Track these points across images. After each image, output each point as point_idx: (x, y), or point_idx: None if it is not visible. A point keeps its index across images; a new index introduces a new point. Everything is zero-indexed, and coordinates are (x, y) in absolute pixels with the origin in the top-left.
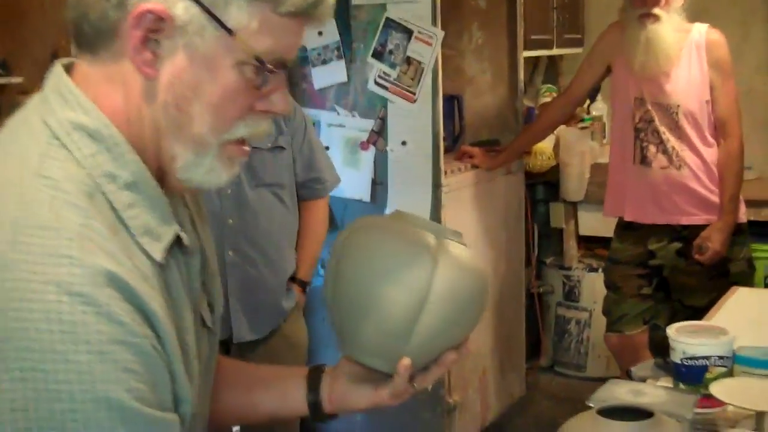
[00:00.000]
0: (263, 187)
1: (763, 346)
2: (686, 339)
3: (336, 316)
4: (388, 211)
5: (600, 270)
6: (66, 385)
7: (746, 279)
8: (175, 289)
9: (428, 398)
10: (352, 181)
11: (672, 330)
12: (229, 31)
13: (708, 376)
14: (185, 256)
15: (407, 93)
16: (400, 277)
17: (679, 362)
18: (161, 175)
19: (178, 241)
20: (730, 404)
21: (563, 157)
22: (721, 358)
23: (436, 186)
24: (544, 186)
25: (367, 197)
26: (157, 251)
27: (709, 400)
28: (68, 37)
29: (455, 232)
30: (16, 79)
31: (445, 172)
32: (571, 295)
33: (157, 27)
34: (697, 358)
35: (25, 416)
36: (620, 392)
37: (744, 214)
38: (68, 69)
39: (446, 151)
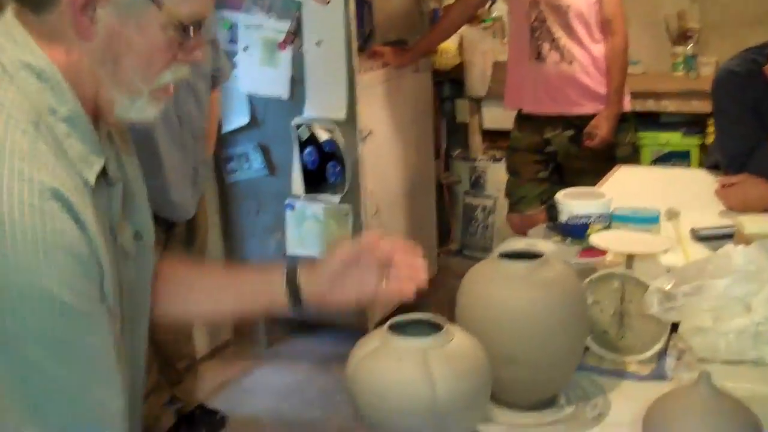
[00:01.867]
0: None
1: (635, 206)
2: (571, 201)
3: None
4: (306, 107)
5: (503, 160)
6: (14, 275)
7: (631, 161)
8: (99, 212)
9: None
10: (271, 80)
11: (560, 195)
12: (157, 3)
13: (589, 232)
14: (108, 187)
15: None
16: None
17: (566, 222)
18: (96, 115)
19: (103, 171)
20: (606, 249)
21: (467, 56)
22: (600, 216)
23: (351, 83)
24: (450, 83)
25: (286, 95)
26: (91, 176)
27: (590, 251)
28: None
29: (444, 335)
30: None
31: (359, 70)
32: (476, 184)
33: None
34: (580, 217)
35: None
36: (519, 244)
37: (629, 103)
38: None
39: (358, 51)
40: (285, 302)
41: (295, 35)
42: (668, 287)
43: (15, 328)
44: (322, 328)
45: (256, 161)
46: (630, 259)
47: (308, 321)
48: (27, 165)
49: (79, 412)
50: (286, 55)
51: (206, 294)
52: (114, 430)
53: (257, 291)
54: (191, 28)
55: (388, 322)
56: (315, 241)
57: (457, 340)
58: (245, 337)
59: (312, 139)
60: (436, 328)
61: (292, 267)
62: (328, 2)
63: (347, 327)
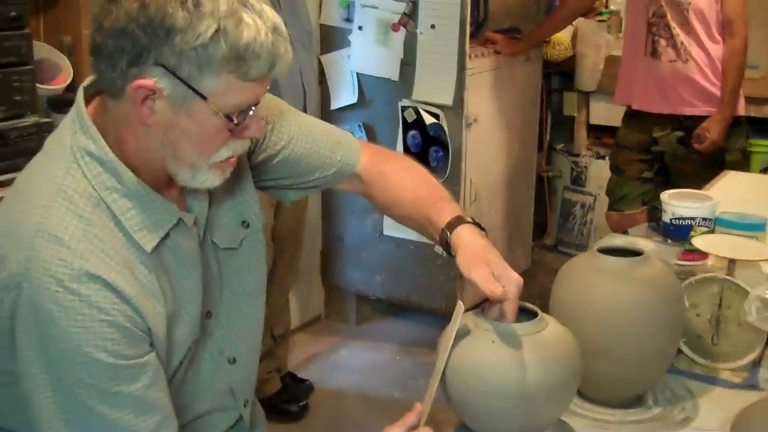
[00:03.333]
0: None
1: (741, 212)
2: (676, 202)
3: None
4: (414, 90)
5: (607, 158)
6: (65, 343)
7: (740, 168)
8: (176, 262)
9: (443, 263)
10: (382, 61)
11: (665, 195)
12: (203, 97)
13: (692, 234)
14: (189, 227)
15: None
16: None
17: (669, 222)
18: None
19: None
20: (708, 253)
21: (580, 48)
22: (704, 219)
23: (461, 68)
24: (559, 75)
25: (395, 77)
26: (149, 244)
27: (692, 254)
28: None
29: (538, 322)
30: None
31: (470, 56)
32: (578, 180)
33: (150, 93)
34: (684, 219)
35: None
36: (617, 241)
37: (743, 108)
38: (89, 89)
39: (470, 37)
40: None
41: (409, 17)
42: None
43: (72, 382)
44: (411, 311)
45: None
46: (732, 264)
47: (397, 302)
48: (72, 253)
49: None
50: (398, 37)
51: (403, 200)
52: None
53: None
54: (240, 114)
55: (482, 307)
56: None
57: (550, 329)
58: (336, 314)
59: (417, 123)
60: (530, 314)
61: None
62: None
63: (435, 312)
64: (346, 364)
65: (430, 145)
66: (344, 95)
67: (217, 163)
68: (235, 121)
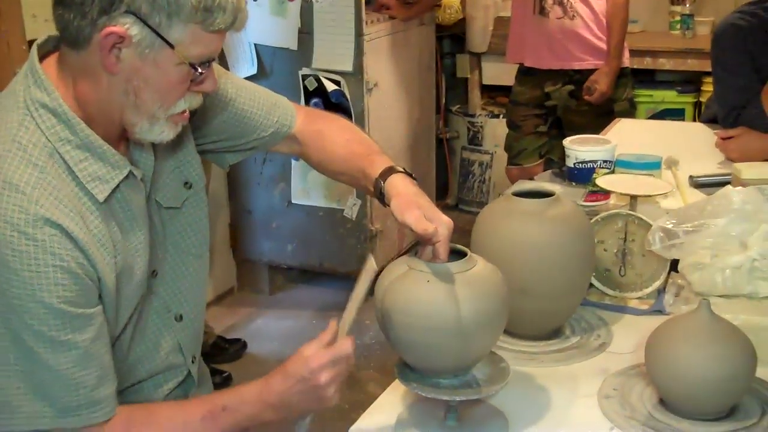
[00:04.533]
0: None
1: (638, 153)
2: (578, 147)
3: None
4: (313, 58)
5: (501, 116)
6: (18, 288)
7: (628, 117)
8: (125, 215)
9: (353, 227)
10: (279, 31)
11: (567, 141)
12: (171, 45)
13: (595, 176)
14: (138, 180)
15: None
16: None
17: (572, 166)
18: (125, 135)
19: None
20: (611, 192)
21: (469, 11)
22: (605, 161)
23: (359, 35)
24: (450, 38)
25: (294, 45)
26: (101, 193)
27: (596, 195)
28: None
29: (468, 261)
30: None
31: (366, 23)
32: (474, 139)
33: (119, 41)
34: (586, 162)
35: None
36: (528, 185)
37: (627, 60)
38: (43, 48)
39: (365, 4)
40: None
41: None
42: (670, 226)
43: (20, 327)
44: (324, 276)
45: None
46: (633, 201)
47: (310, 269)
48: (28, 199)
49: (71, 393)
50: (294, 6)
51: (337, 156)
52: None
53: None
54: (201, 65)
55: (414, 250)
56: (320, 192)
57: (479, 266)
58: (249, 286)
59: (318, 90)
60: (460, 255)
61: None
62: None
63: (348, 276)
64: (264, 333)
65: (333, 112)
66: (243, 67)
67: (173, 116)
68: (198, 70)
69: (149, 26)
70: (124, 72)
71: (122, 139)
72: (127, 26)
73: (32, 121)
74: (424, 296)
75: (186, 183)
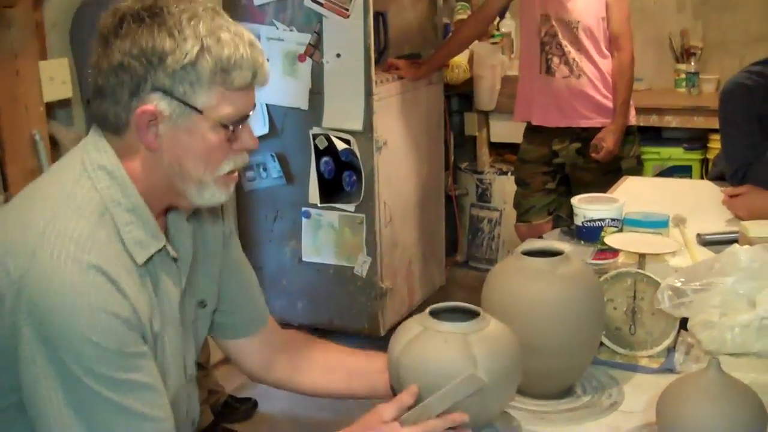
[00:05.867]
0: None
1: (645, 211)
2: (586, 206)
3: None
4: (324, 118)
5: (509, 173)
6: (70, 330)
7: (636, 174)
8: (161, 284)
9: (363, 285)
10: (290, 91)
11: (575, 200)
12: (199, 111)
13: (603, 234)
14: (172, 260)
15: (341, 9)
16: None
17: (581, 225)
18: (170, 208)
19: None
20: (619, 250)
21: (477, 71)
22: (613, 220)
23: (368, 94)
24: (459, 97)
25: (305, 105)
26: (140, 257)
27: (604, 253)
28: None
29: (482, 320)
30: None
31: (376, 82)
32: (483, 196)
33: (153, 118)
34: (594, 221)
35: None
36: (537, 244)
37: (634, 118)
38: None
39: (374, 64)
40: (384, 388)
41: (315, 47)
42: (678, 284)
43: (73, 365)
44: (334, 334)
45: (274, 170)
46: (642, 259)
47: (320, 327)
48: (80, 248)
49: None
50: (305, 67)
51: (320, 372)
52: None
53: (363, 373)
54: (234, 123)
55: (428, 309)
56: (330, 249)
57: (492, 326)
58: None
59: (329, 149)
60: (471, 314)
61: None
62: (348, 16)
63: (358, 333)
64: (275, 392)
65: (343, 171)
66: (255, 126)
67: (221, 177)
68: (231, 128)
69: (176, 98)
70: (164, 145)
71: (160, 216)
72: (155, 102)
73: (88, 179)
74: (443, 356)
75: (201, 302)
